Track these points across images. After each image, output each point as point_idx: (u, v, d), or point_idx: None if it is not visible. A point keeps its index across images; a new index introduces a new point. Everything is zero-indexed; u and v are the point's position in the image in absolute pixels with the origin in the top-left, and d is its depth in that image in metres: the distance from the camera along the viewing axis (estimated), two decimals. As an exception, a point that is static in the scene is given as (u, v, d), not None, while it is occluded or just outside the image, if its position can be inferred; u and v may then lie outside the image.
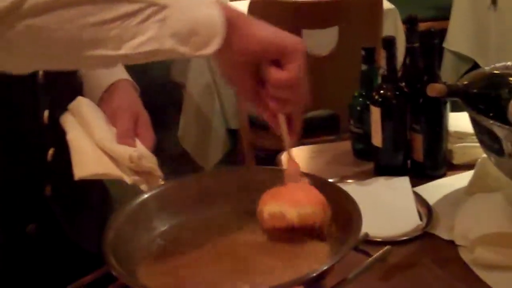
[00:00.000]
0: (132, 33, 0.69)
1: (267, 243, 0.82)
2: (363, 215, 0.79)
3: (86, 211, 1.12)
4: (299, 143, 0.85)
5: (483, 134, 1.03)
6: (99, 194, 1.19)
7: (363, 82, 1.33)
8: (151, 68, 3.20)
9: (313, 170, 1.22)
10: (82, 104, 0.98)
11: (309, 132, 1.46)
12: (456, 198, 1.16)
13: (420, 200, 1.16)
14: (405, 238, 1.07)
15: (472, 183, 1.16)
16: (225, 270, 0.78)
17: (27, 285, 1.03)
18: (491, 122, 0.98)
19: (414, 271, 1.00)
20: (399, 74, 1.25)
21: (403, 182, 1.22)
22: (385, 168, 1.27)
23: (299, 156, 0.85)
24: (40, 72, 0.96)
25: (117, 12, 0.68)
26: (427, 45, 1.20)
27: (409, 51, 1.24)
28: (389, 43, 1.21)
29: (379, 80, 1.26)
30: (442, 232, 1.08)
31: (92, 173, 0.90)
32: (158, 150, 0.97)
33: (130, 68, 1.07)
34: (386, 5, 2.55)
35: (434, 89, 1.08)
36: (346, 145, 1.40)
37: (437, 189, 1.20)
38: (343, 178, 1.26)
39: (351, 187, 1.18)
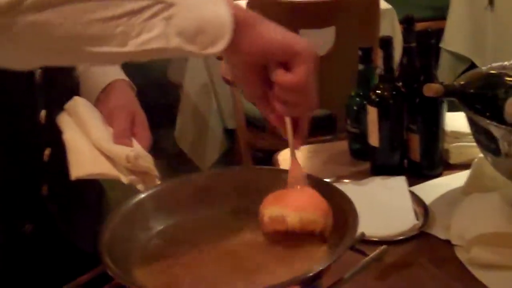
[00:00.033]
0: (138, 31, 0.68)
1: (263, 242, 0.82)
2: (360, 214, 0.79)
3: (83, 211, 1.11)
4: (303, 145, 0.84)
5: (480, 134, 1.03)
6: (96, 194, 1.19)
7: (360, 82, 1.34)
8: (148, 68, 3.19)
9: (309, 170, 1.22)
10: (79, 104, 0.98)
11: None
12: (452, 198, 1.16)
13: (416, 199, 1.17)
14: (401, 237, 1.07)
15: (468, 182, 1.16)
16: (221, 270, 0.78)
17: (23, 285, 1.03)
18: (488, 122, 0.98)
19: (411, 271, 1.01)
20: (396, 74, 1.25)
21: (400, 181, 1.22)
22: (382, 167, 1.27)
23: (296, 155, 0.85)
24: (37, 72, 0.96)
25: (123, 9, 0.68)
26: (424, 45, 1.20)
27: (406, 51, 1.24)
28: (386, 43, 1.21)
29: (376, 80, 1.26)
30: (438, 231, 1.08)
31: (89, 173, 0.90)
32: (154, 150, 0.97)
33: (126, 68, 1.07)
34: (383, 5, 2.55)
35: (431, 89, 1.08)
36: (342, 145, 1.40)
37: (433, 189, 1.20)
38: (340, 178, 1.27)
39: (347, 187, 1.18)
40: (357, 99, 1.33)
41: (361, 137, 1.32)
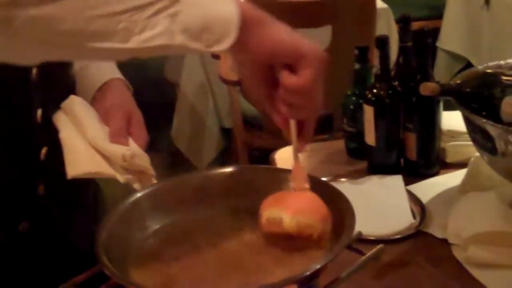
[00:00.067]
0: (141, 27, 0.67)
1: (259, 242, 0.82)
2: (357, 213, 0.79)
3: (79, 210, 1.11)
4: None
5: (476, 133, 1.03)
6: (92, 193, 1.19)
7: (356, 81, 1.34)
8: (144, 67, 3.19)
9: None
10: (75, 103, 0.98)
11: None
12: (449, 197, 1.16)
13: (413, 198, 1.17)
14: (398, 236, 1.07)
15: (465, 181, 1.16)
16: (218, 269, 0.78)
17: (20, 284, 1.03)
18: (484, 121, 0.98)
19: (408, 270, 1.01)
20: (392, 73, 1.25)
21: (396, 180, 1.22)
22: (378, 166, 1.27)
23: (299, 158, 0.84)
24: (34, 71, 0.96)
25: (126, 5, 0.67)
26: (420, 44, 1.20)
27: (402, 50, 1.24)
28: (382, 42, 1.21)
29: (372, 79, 1.26)
30: (435, 230, 1.08)
31: (85, 172, 0.90)
32: (151, 149, 0.97)
33: (123, 67, 1.07)
34: (379, 4, 2.55)
35: (427, 88, 1.08)
36: (339, 144, 1.40)
37: (430, 188, 1.20)
38: (337, 177, 1.26)
39: (344, 186, 1.18)
40: (354, 98, 1.33)
41: (357, 136, 1.32)
